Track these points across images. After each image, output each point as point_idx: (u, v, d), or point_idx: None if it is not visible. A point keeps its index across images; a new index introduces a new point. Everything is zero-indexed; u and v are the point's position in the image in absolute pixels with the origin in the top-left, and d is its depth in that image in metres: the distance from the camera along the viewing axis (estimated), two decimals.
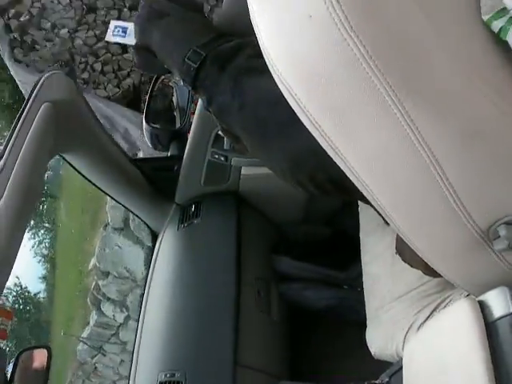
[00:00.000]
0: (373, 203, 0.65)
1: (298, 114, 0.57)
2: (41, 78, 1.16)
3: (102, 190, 1.51)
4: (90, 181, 1.44)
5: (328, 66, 0.51)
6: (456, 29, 0.64)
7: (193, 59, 1.04)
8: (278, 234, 1.78)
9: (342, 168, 0.60)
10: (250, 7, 0.57)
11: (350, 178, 0.62)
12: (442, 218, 0.61)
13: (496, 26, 0.71)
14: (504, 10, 0.72)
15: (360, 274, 1.31)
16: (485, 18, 0.73)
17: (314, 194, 1.00)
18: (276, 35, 0.54)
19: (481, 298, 0.66)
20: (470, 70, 0.56)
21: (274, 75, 0.56)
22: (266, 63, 0.97)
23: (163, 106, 1.70)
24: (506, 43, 0.70)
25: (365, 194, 0.63)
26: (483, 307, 0.65)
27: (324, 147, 0.59)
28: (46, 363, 1.17)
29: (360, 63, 0.50)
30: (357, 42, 0.49)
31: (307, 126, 0.58)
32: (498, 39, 0.71)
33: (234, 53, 1.03)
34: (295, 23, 0.51)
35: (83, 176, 1.43)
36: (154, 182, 1.61)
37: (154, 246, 1.70)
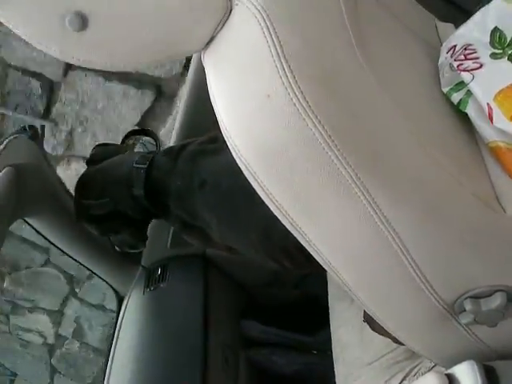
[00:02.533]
0: (338, 282, 0.64)
1: (257, 192, 0.56)
2: (2, 142, 1.14)
3: (66, 254, 1.47)
4: (53, 244, 1.41)
5: (286, 145, 0.51)
6: (418, 102, 0.65)
7: (141, 162, 1.03)
8: (246, 296, 1.74)
9: (304, 245, 0.59)
10: (207, 78, 0.57)
11: (315, 257, 0.61)
12: (406, 293, 0.60)
13: (455, 98, 0.73)
14: (462, 83, 0.73)
15: (329, 339, 1.28)
16: (444, 90, 0.74)
17: (289, 270, 0.98)
18: (233, 112, 0.54)
19: (449, 371, 0.65)
20: (433, 146, 0.56)
21: (231, 151, 0.56)
22: (219, 145, 0.98)
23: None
24: (466, 115, 0.71)
25: (330, 273, 0.62)
26: (452, 381, 0.63)
27: (287, 226, 0.58)
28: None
29: (319, 143, 0.49)
30: (315, 121, 0.49)
31: (268, 205, 0.57)
32: (458, 111, 0.72)
33: (183, 145, 1.03)
34: (253, 102, 0.51)
35: (47, 239, 1.39)
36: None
37: (119, 309, 1.65)
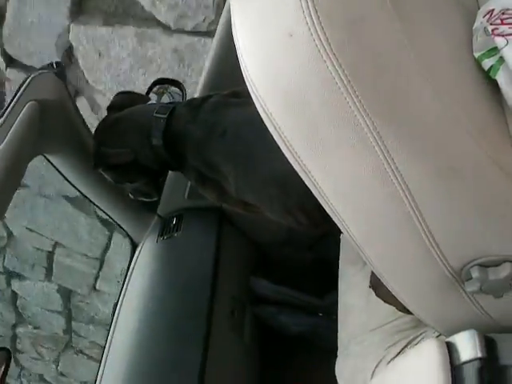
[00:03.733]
0: (347, 236, 0.63)
1: (271, 133, 0.55)
2: (28, 77, 1.14)
3: (83, 195, 1.49)
4: (72, 184, 1.42)
5: (305, 86, 0.50)
6: (447, 64, 0.63)
7: (161, 112, 1.02)
8: (258, 254, 1.76)
9: (315, 195, 0.59)
10: (232, 18, 0.56)
11: (324, 208, 0.60)
12: (414, 254, 0.60)
13: (486, 64, 0.70)
14: (495, 49, 0.71)
15: (336, 303, 1.29)
16: (476, 54, 0.72)
17: (304, 226, 0.97)
18: (254, 50, 0.52)
19: (449, 339, 0.65)
20: (455, 105, 0.54)
21: (248, 87, 0.54)
22: (242, 100, 0.96)
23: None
24: (495, 82, 0.69)
25: (339, 226, 0.61)
26: (451, 349, 0.63)
27: (297, 171, 0.57)
28: (3, 368, 1.11)
29: (338, 87, 0.48)
30: (336, 64, 0.47)
31: (280, 146, 0.56)
32: (488, 77, 0.70)
33: (205, 97, 1.02)
34: (275, 41, 0.50)
35: (65, 178, 1.40)
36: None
37: (132, 256, 1.67)
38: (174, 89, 1.60)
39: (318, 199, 0.59)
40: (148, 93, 1.58)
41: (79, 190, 1.45)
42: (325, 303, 1.54)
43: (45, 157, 1.29)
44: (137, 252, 1.66)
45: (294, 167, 0.57)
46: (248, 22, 0.52)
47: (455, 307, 0.67)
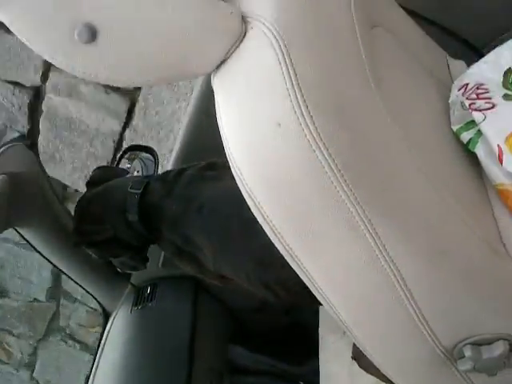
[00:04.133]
0: (333, 316, 0.62)
1: (260, 222, 0.54)
2: None
3: (55, 266, 1.45)
4: (43, 256, 1.38)
5: (294, 177, 0.49)
6: (428, 140, 0.64)
7: (135, 187, 1.01)
8: (235, 321, 1.72)
9: (303, 280, 0.58)
10: (216, 101, 0.56)
11: (312, 291, 0.59)
12: (405, 334, 0.59)
13: (465, 137, 0.71)
14: (473, 123, 0.72)
15: (316, 370, 1.26)
16: (454, 128, 0.73)
17: (284, 300, 0.95)
18: (241, 138, 0.52)
19: None
20: (441, 185, 0.54)
21: (236, 177, 0.54)
22: (217, 173, 0.96)
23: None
24: (474, 155, 0.70)
25: (327, 308, 0.60)
26: None
27: (287, 259, 0.56)
28: None
29: (328, 176, 0.48)
30: (325, 154, 0.47)
31: (269, 235, 0.55)
32: (467, 150, 0.71)
33: (180, 170, 1.01)
34: (262, 130, 0.49)
35: (36, 250, 1.37)
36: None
37: (104, 326, 1.62)
38: (145, 155, 1.59)
39: (307, 284, 0.58)
40: (120, 158, 1.57)
41: (51, 262, 1.42)
42: (303, 371, 1.51)
43: (15, 229, 1.26)
44: (109, 322, 1.61)
45: (282, 253, 0.56)
46: (234, 107, 0.52)
47: None
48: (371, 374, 0.99)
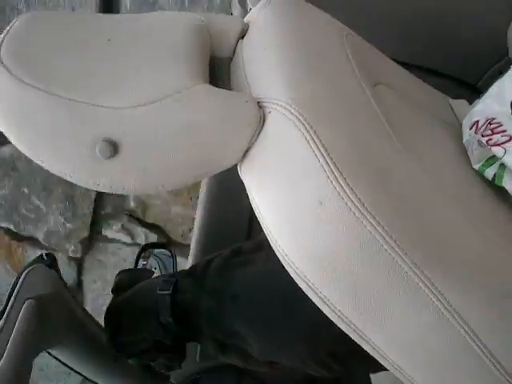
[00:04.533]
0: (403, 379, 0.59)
1: (318, 306, 0.53)
2: (21, 275, 1.11)
3: (92, 381, 1.41)
4: (80, 374, 1.34)
5: (346, 252, 0.48)
6: (458, 185, 0.64)
7: (164, 288, 1.00)
8: None
9: (370, 352, 0.55)
10: (248, 191, 0.55)
11: (378, 360, 0.56)
12: None
13: (489, 173, 0.71)
14: (493, 158, 0.72)
15: None
16: (476, 166, 0.73)
17: (338, 373, 0.92)
18: (283, 222, 0.51)
19: None
20: (492, 232, 0.53)
21: (283, 263, 0.53)
22: (245, 258, 0.96)
23: None
24: (502, 188, 0.69)
25: (395, 373, 0.58)
26: None
27: (351, 335, 0.54)
28: None
29: (380, 244, 0.47)
30: (374, 223, 0.46)
31: (328, 315, 0.53)
32: (494, 186, 0.71)
33: (206, 263, 1.00)
34: (305, 211, 0.49)
35: (71, 369, 1.33)
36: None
37: None
38: (157, 250, 1.58)
39: (373, 355, 0.56)
40: (138, 259, 1.57)
41: (88, 378, 1.38)
42: None
43: (49, 353, 1.23)
44: None
45: (345, 330, 0.54)
46: (272, 195, 0.52)
47: None
48: None
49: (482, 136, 0.74)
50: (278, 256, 0.53)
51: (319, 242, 0.49)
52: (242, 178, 0.56)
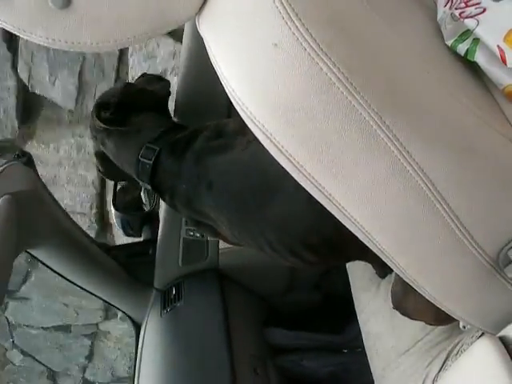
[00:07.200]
0: (374, 250, 0.60)
1: (276, 157, 0.52)
2: None
3: (75, 285, 1.43)
4: (62, 276, 1.36)
5: (302, 95, 0.47)
6: (428, 52, 0.62)
7: (147, 156, 0.99)
8: (266, 306, 1.70)
9: (334, 214, 0.55)
10: (205, 41, 0.54)
11: (344, 223, 0.56)
12: (446, 248, 0.56)
13: (461, 49, 0.69)
14: (467, 32, 0.70)
15: (357, 335, 1.24)
16: (449, 42, 0.71)
17: (313, 264, 0.93)
18: (239, 68, 0.50)
19: (501, 333, 0.60)
20: (450, 86, 0.52)
21: (241, 113, 0.51)
22: (225, 142, 0.94)
23: (132, 195, 1.65)
24: (474, 66, 0.68)
25: (363, 239, 0.58)
26: (506, 343, 0.59)
27: (310, 191, 0.54)
28: None
29: (336, 87, 0.45)
30: (329, 64, 0.45)
31: (289, 170, 0.52)
32: (466, 61, 0.69)
33: (189, 140, 0.99)
34: (260, 54, 0.47)
35: (53, 271, 1.35)
36: (131, 269, 1.54)
37: (137, 336, 1.60)
38: None
39: (337, 215, 0.55)
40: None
41: (70, 281, 1.40)
42: (346, 338, 1.49)
43: (29, 253, 1.23)
44: (141, 331, 1.60)
45: (306, 187, 0.53)
46: (227, 42, 0.50)
47: (498, 298, 0.62)
48: (415, 319, 0.96)
49: (456, 9, 0.71)
50: (237, 109, 0.51)
51: (274, 86, 0.48)
52: (201, 32, 0.54)
